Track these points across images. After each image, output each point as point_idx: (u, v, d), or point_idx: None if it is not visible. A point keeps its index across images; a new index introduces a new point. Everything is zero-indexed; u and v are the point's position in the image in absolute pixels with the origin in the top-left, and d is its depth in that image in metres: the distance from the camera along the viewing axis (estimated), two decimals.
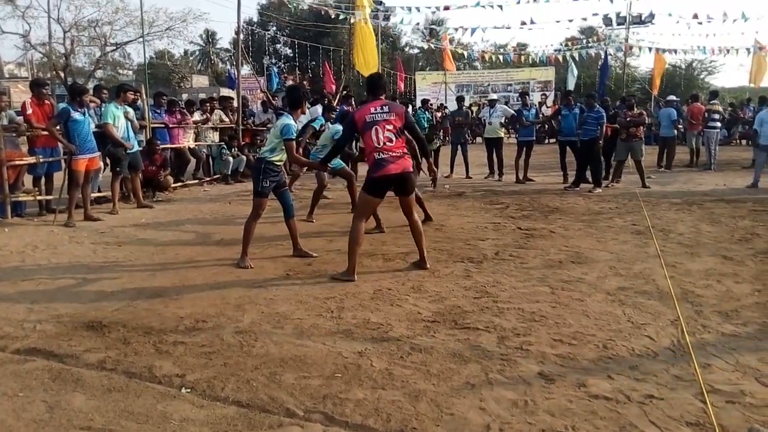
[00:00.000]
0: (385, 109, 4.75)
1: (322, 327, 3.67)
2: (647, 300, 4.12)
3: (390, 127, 4.70)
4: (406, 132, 4.84)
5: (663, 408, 2.64)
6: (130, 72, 35.48)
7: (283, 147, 5.12)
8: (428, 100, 15.06)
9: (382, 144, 4.68)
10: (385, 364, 3.13)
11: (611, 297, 4.21)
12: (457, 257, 5.41)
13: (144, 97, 9.74)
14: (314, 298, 4.24)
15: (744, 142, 17.85)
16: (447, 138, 13.36)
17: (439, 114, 21.17)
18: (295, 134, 5.14)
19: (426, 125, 11.84)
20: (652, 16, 22.93)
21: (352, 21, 15.74)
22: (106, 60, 29.91)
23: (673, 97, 14.15)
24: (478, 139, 18.50)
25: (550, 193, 9.47)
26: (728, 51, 22.95)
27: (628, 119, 10.22)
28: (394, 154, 4.69)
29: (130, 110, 8.37)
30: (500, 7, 18.14)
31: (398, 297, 4.25)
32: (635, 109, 10.60)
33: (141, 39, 20.49)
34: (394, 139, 4.69)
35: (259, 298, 4.25)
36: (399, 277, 4.76)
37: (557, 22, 20.41)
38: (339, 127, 6.93)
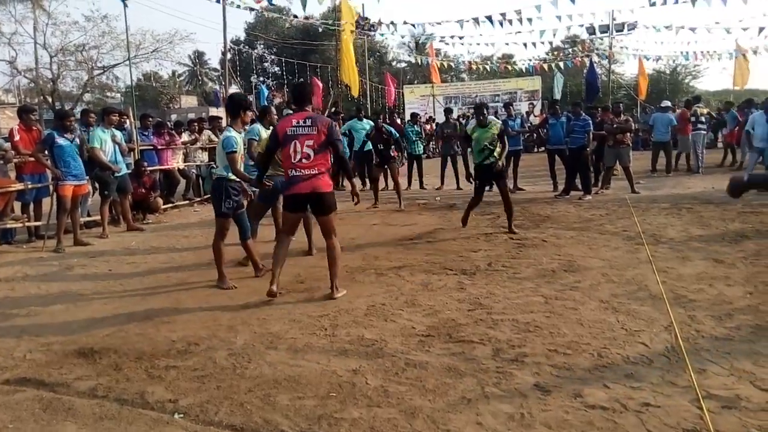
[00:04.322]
0: (308, 122, 4.48)
1: (315, 345, 3.64)
2: (640, 306, 4.13)
3: (310, 142, 4.43)
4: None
5: (660, 416, 2.63)
6: (118, 95, 35.55)
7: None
8: (417, 114, 15.14)
9: (297, 160, 4.45)
10: (380, 381, 3.10)
11: (604, 304, 4.21)
12: (449, 269, 5.40)
13: (132, 119, 9.73)
14: (307, 316, 4.22)
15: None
16: (437, 149, 13.41)
17: (428, 126, 21.34)
18: (236, 146, 4.95)
19: (414, 138, 11.94)
20: (634, 23, 23.24)
21: (340, 30, 15.82)
22: (94, 83, 29.94)
23: (667, 103, 14.27)
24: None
25: (541, 202, 9.50)
26: (711, 56, 23.36)
27: (614, 126, 10.31)
28: (307, 172, 4.45)
29: (117, 133, 8.35)
30: (489, 18, 18.28)
31: (392, 312, 4.23)
32: (622, 115, 10.71)
33: (128, 61, 20.56)
34: (312, 155, 4.44)
35: (251, 318, 4.21)
36: (392, 292, 4.74)
37: (542, 32, 20.46)
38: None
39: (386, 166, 9.64)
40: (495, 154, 6.90)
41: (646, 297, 4.33)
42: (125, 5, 10.53)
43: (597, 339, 3.56)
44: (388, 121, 12.69)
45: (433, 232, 7.30)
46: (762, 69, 65.07)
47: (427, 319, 4.05)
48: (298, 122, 4.49)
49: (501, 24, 17.83)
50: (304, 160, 4.46)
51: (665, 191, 10.23)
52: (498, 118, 12.94)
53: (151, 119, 10.96)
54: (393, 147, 9.55)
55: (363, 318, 4.13)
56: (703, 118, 13.09)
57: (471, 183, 7.26)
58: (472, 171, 7.22)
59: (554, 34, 21.74)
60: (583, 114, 9.99)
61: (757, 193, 9.17)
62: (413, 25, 21.01)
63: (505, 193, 7.07)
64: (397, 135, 9.83)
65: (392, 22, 20.08)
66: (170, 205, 10.37)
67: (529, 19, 17.64)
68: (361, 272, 5.42)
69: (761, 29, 17.55)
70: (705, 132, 13.39)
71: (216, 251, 5.19)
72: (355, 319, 4.12)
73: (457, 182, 11.85)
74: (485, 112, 7.07)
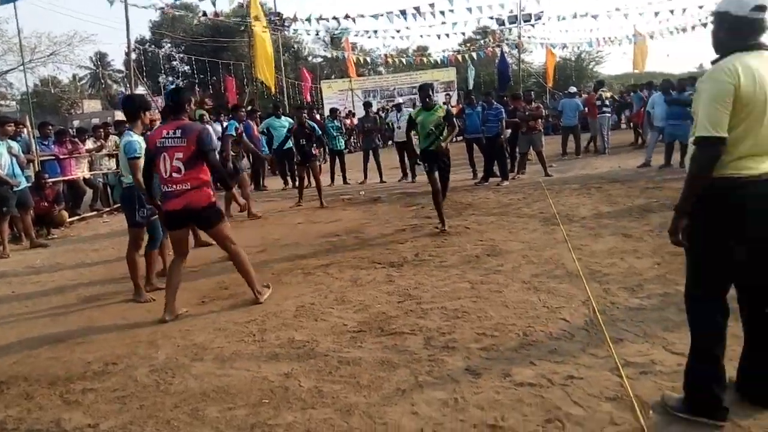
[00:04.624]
0: (177, 133, 4.12)
1: (244, 353, 3.53)
2: (559, 284, 4.31)
3: (180, 155, 4.09)
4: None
5: (583, 387, 2.75)
6: (13, 102, 32.91)
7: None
8: (337, 109, 15.08)
9: (168, 175, 4.14)
10: (314, 382, 3.05)
11: (527, 285, 4.36)
12: (378, 263, 5.41)
13: (29, 128, 9.03)
14: (234, 323, 4.08)
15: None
16: (359, 144, 13.41)
17: (348, 121, 21.30)
18: (139, 151, 4.60)
19: (335, 134, 11.87)
20: (540, 14, 24.25)
21: (252, 26, 15.38)
22: None
23: (574, 89, 15.03)
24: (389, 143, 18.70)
25: (462, 190, 9.73)
26: (612, 41, 24.80)
27: (527, 113, 10.73)
28: (179, 188, 4.13)
29: (14, 144, 7.72)
30: (402, 13, 18.42)
31: (322, 311, 4.18)
32: (533, 103, 11.16)
33: (22, 66, 19.05)
34: (182, 169, 4.11)
35: (173, 331, 4.02)
36: (321, 291, 4.68)
37: (454, 24, 20.94)
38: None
39: (307, 164, 9.47)
40: (441, 138, 6.54)
41: (563, 275, 4.53)
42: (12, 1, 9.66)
43: (521, 319, 3.68)
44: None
45: (358, 227, 7.28)
46: (659, 52, 69.95)
47: (357, 315, 4.03)
48: (168, 133, 4.15)
49: (414, 17, 18.08)
50: (174, 175, 4.12)
51: (575, 173, 10.77)
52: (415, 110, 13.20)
53: (51, 127, 10.25)
54: (314, 144, 9.41)
55: (292, 320, 4.05)
56: (607, 102, 13.90)
57: (420, 166, 6.98)
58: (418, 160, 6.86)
59: (465, 24, 22.28)
60: (495, 103, 10.33)
61: (659, 170, 9.87)
62: (327, 20, 20.75)
63: (444, 182, 6.75)
64: (320, 131, 9.70)
65: (307, 19, 19.81)
66: (77, 217, 9.72)
67: (442, 12, 18.00)
68: (287, 273, 5.32)
69: (656, 13, 18.86)
70: (609, 115, 14.23)
71: (130, 263, 4.90)
72: (284, 321, 4.03)
73: (380, 176, 11.90)
74: (430, 93, 6.62)
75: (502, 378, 2.92)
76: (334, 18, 20.55)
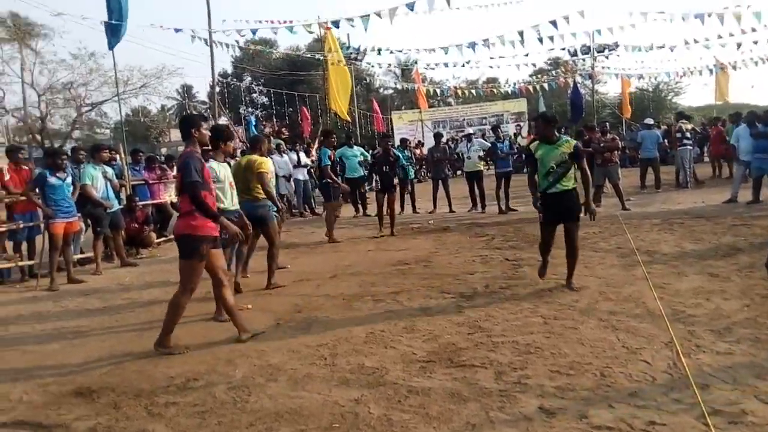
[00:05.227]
0: (179, 164, 4.38)
1: (316, 376, 3.60)
2: (639, 323, 4.13)
3: (178, 184, 4.39)
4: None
5: None
6: (107, 131, 35.55)
7: None
8: (407, 140, 15.31)
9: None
10: (383, 409, 3.07)
11: (604, 322, 4.21)
12: (447, 293, 5.39)
13: (122, 154, 9.75)
14: (306, 346, 4.18)
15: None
16: (427, 174, 13.51)
17: (417, 151, 21.51)
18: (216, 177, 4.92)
19: (405, 163, 12.03)
20: (615, 44, 23.71)
21: (328, 61, 15.98)
22: (83, 120, 30.01)
23: (650, 120, 14.53)
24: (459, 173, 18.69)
25: (534, 222, 9.53)
26: (691, 72, 23.80)
27: (602, 144, 10.47)
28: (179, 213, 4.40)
29: (108, 169, 8.36)
30: (472, 45, 18.57)
31: (391, 338, 4.21)
32: (608, 134, 10.87)
33: (116, 98, 20.68)
34: (180, 197, 4.38)
35: (250, 350, 4.17)
36: (391, 318, 4.72)
37: (525, 55, 20.75)
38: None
39: (387, 193, 9.47)
40: (567, 179, 5.21)
41: (644, 314, 4.34)
42: (111, 48, 10.55)
43: (598, 358, 3.55)
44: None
45: (428, 255, 7.30)
46: (743, 83, 66.43)
47: (427, 345, 4.03)
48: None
49: (487, 47, 18.13)
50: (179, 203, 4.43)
51: (656, 207, 10.33)
52: (487, 141, 13.17)
53: (141, 154, 10.99)
54: (396, 173, 9.58)
55: (362, 346, 4.10)
56: (688, 134, 13.31)
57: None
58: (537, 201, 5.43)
59: (538, 54, 22.01)
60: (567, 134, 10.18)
61: (746, 206, 9.30)
62: (399, 51, 21.21)
63: (572, 237, 5.27)
64: (404, 161, 9.92)
65: (378, 51, 20.33)
66: (164, 238, 10.31)
67: (512, 42, 17.97)
68: (358, 299, 5.40)
69: (739, 45, 17.93)
70: (691, 147, 13.60)
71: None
72: (354, 347, 4.08)
73: (449, 205, 11.91)
74: (553, 123, 5.38)
75: (578, 419, 2.82)
76: (405, 50, 20.95)
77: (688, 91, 47.21)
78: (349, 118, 19.53)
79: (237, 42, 16.01)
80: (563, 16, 15.02)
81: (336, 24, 15.61)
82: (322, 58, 18.98)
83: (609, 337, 3.90)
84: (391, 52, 20.72)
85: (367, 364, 3.73)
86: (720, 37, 17.94)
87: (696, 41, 19.05)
